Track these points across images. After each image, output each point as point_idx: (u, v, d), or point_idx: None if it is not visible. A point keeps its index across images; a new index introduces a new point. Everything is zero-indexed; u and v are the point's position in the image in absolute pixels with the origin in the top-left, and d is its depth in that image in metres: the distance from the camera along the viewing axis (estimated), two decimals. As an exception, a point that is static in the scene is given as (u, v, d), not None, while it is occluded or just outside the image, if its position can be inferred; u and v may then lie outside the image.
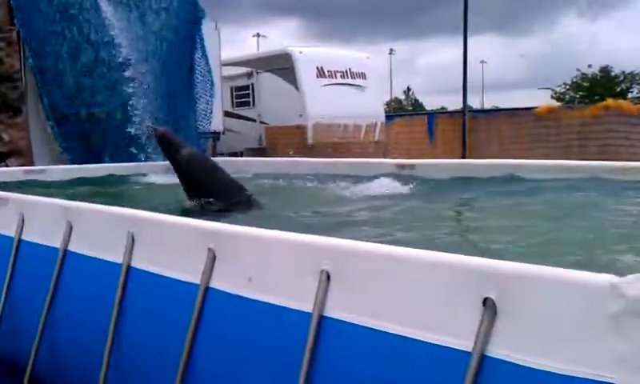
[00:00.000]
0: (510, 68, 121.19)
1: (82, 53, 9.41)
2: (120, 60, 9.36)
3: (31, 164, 8.79)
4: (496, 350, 1.85)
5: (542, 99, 37.64)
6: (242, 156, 15.42)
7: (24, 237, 4.02)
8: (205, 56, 11.33)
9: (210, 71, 11.42)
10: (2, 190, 4.71)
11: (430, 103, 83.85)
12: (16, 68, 9.38)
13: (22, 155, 9.23)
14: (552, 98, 39.04)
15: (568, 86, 39.90)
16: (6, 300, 3.99)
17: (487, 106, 53.43)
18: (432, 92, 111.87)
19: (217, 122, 14.62)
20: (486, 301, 1.88)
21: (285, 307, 2.41)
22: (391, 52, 75.11)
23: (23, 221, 4.04)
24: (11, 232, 4.06)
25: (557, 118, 15.22)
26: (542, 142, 14.59)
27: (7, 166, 8.91)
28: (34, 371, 3.69)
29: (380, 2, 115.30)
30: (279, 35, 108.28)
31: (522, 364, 1.78)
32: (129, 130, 9.27)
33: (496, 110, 23.67)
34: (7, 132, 9.19)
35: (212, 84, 11.50)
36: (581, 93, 38.58)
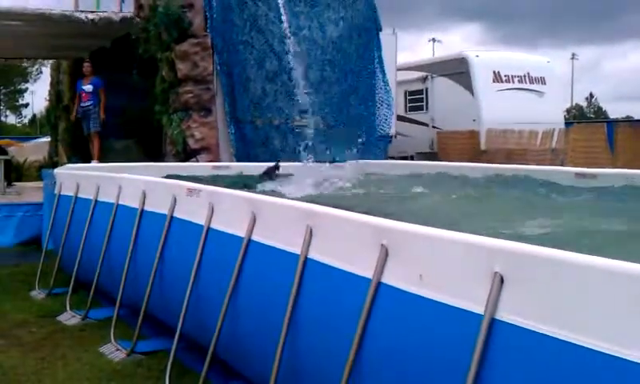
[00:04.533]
0: None
1: (266, 61, 9.99)
2: (300, 68, 9.79)
3: (218, 160, 9.49)
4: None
5: None
6: (412, 160, 15.42)
7: (212, 225, 4.36)
8: (381, 63, 11.54)
9: (385, 78, 11.60)
10: (195, 182, 5.15)
11: (615, 111, 78.22)
12: (209, 71, 10.18)
13: (211, 152, 10.00)
14: None
15: None
16: (194, 283, 4.36)
17: (681, 115, 48.64)
18: (618, 99, 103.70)
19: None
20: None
21: (455, 307, 2.43)
22: (573, 57, 71.01)
23: (212, 210, 4.38)
24: (202, 220, 4.43)
25: None
26: None
27: (198, 161, 9.71)
28: (215, 351, 4.01)
29: (565, 6, 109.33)
30: (460, 40, 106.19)
31: None
32: (306, 134, 9.64)
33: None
34: (199, 130, 10.01)
35: (388, 90, 11.69)
36: None
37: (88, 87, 11.75)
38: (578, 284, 2.07)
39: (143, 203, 5.43)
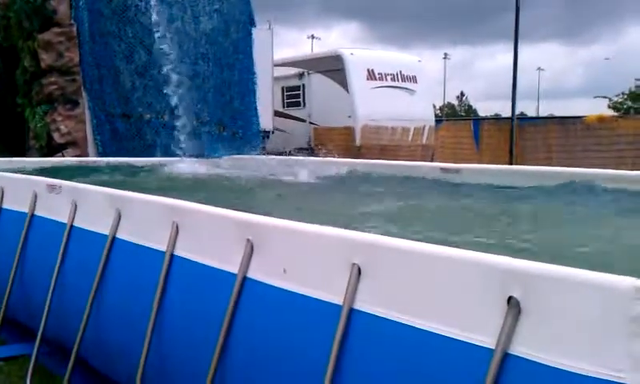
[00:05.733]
0: (571, 76, 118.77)
1: (135, 54, 9.68)
2: (171, 62, 9.57)
3: (87, 155, 9.11)
4: (519, 348, 1.89)
5: (600, 108, 36.76)
6: (289, 155, 15.54)
7: (75, 223, 4.18)
8: (250, 56, 11.53)
9: (253, 71, 11.60)
10: (57, 179, 4.92)
11: (485, 109, 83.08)
12: (75, 62, 9.71)
13: (79, 146, 9.56)
14: (608, 107, 37.97)
15: (625, 96, 38.74)
16: (56, 283, 4.17)
17: (544, 113, 52.50)
18: (488, 98, 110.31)
19: (267, 121, 14.83)
20: (510, 299, 1.92)
21: (316, 299, 2.49)
22: (445, 56, 74.56)
23: (75, 208, 4.20)
24: (64, 218, 4.24)
25: (611, 127, 14.81)
26: (593, 151, 14.23)
27: (63, 156, 9.26)
28: (80, 354, 3.86)
29: (441, 9, 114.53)
30: (339, 38, 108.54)
31: (542, 362, 1.81)
32: (177, 129, 9.46)
33: (544, 118, 23.28)
34: (65, 123, 9.54)
35: (254, 84, 11.71)
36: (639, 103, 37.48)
37: None
38: (427, 273, 2.18)
39: (1, 201, 5.13)
